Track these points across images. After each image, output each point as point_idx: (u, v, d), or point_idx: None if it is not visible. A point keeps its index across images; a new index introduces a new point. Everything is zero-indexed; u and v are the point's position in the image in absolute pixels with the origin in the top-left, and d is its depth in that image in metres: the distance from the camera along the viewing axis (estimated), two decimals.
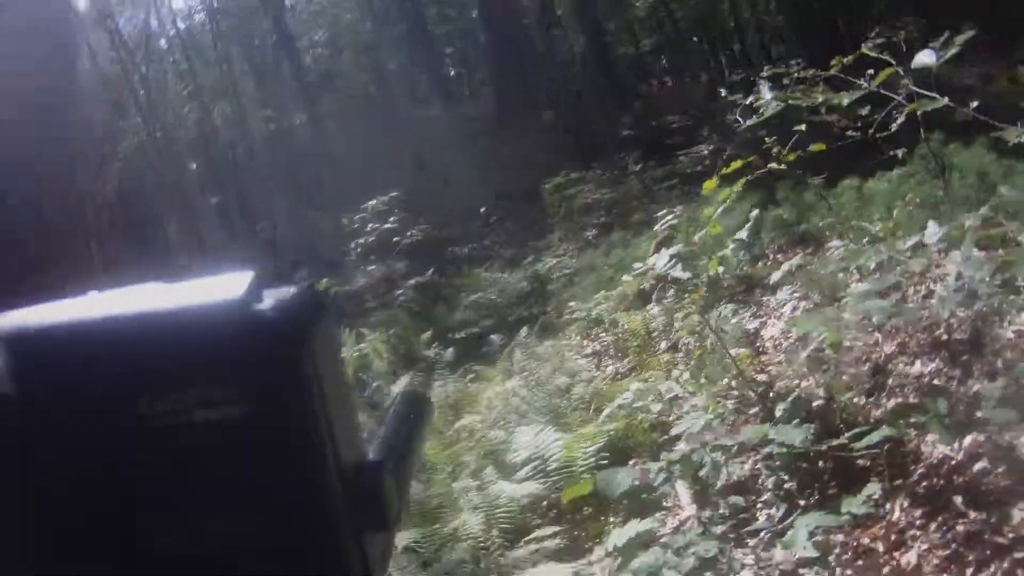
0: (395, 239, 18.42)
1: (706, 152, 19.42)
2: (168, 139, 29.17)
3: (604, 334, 11.47)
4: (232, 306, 0.79)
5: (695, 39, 39.78)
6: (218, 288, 0.82)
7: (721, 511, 6.44)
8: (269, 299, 0.81)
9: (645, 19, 38.63)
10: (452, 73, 56.52)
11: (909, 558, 5.52)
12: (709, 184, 8.22)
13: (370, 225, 18.37)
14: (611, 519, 7.06)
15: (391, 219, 18.32)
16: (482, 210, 21.20)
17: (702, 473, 6.14)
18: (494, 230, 20.40)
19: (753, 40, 35.88)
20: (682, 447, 7.37)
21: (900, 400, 6.83)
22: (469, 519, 7.14)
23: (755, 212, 10.80)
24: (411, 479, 0.97)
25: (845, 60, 8.62)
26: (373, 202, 18.32)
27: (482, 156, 27.49)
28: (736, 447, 6.50)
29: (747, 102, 9.83)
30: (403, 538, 7.06)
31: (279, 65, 45.66)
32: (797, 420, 6.44)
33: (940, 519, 5.67)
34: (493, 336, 13.01)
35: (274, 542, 0.81)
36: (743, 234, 8.40)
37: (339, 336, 1.06)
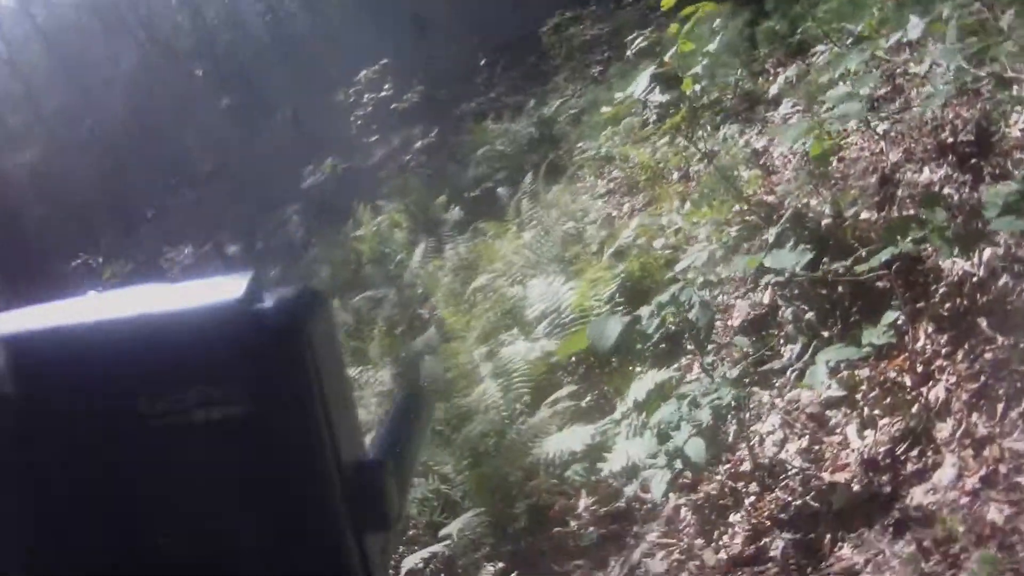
0: (392, 106, 18.05)
1: None
2: (169, 49, 29.12)
3: (616, 171, 11.28)
4: (231, 306, 0.79)
5: None
6: (217, 288, 0.82)
7: (710, 359, 6.28)
8: (268, 299, 0.80)
9: None
10: None
11: (937, 393, 5.26)
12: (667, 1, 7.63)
13: (366, 96, 18.10)
14: (638, 369, 6.79)
15: (385, 86, 18.01)
16: (482, 62, 20.97)
17: (691, 315, 5.79)
18: (498, 81, 20.17)
19: None
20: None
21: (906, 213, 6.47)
22: (489, 387, 7.02)
23: (732, 25, 10.43)
24: (412, 478, 0.98)
25: None
26: (364, 72, 18.01)
27: (479, 8, 27.24)
28: (737, 279, 6.32)
29: None
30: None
31: None
32: (792, 242, 6.06)
33: (967, 346, 5.36)
34: (500, 189, 12.83)
35: (274, 541, 0.81)
36: (712, 46, 7.98)
37: (338, 335, 0.83)
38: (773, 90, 9.31)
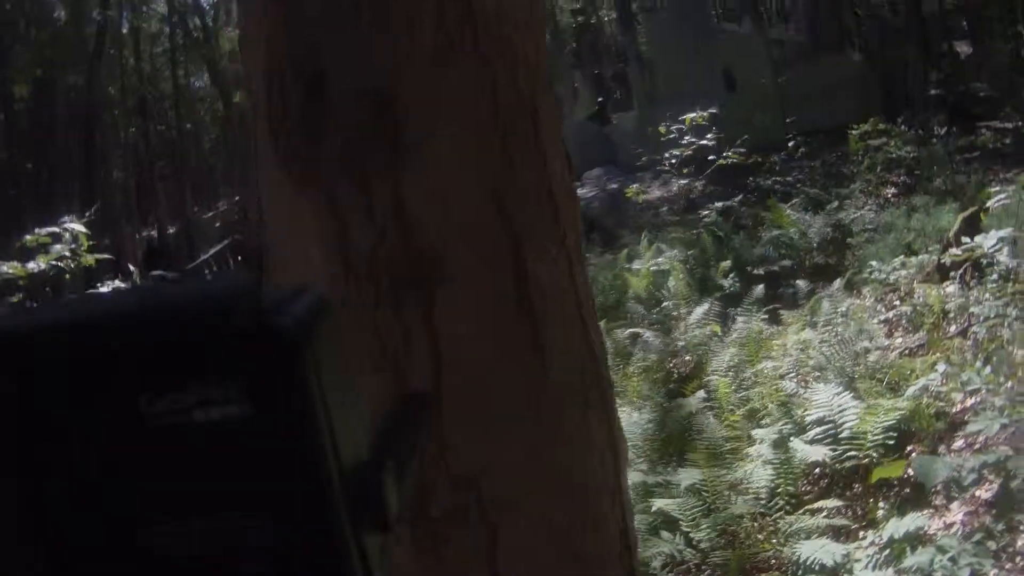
0: (710, 157, 18.28)
1: (1012, 128, 18.99)
2: None
3: (899, 303, 11.40)
4: (233, 305, 0.80)
5: (995, 6, 38.36)
6: (219, 287, 0.86)
7: (1000, 526, 6.36)
8: (269, 298, 0.81)
9: None
10: None
11: None
12: None
13: (687, 138, 18.42)
14: (880, 503, 7.16)
15: (708, 136, 18.25)
16: (789, 143, 21.06)
17: (1014, 485, 6.12)
18: (798, 165, 20.26)
19: None
20: (960, 444, 7.54)
21: None
22: (756, 473, 7.30)
23: None
24: (411, 479, 0.95)
25: None
26: (693, 115, 18.21)
27: (790, 84, 27.24)
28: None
29: None
30: (689, 476, 7.31)
31: None
32: None
33: None
34: (799, 281, 12.95)
35: (274, 542, 0.81)
36: None
37: (340, 335, 0.75)
38: None
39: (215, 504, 0.81)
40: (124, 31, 42.78)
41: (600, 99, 31.54)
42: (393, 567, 1.63)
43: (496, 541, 1.85)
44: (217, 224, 28.39)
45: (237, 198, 31.20)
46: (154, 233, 32.49)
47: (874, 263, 12.60)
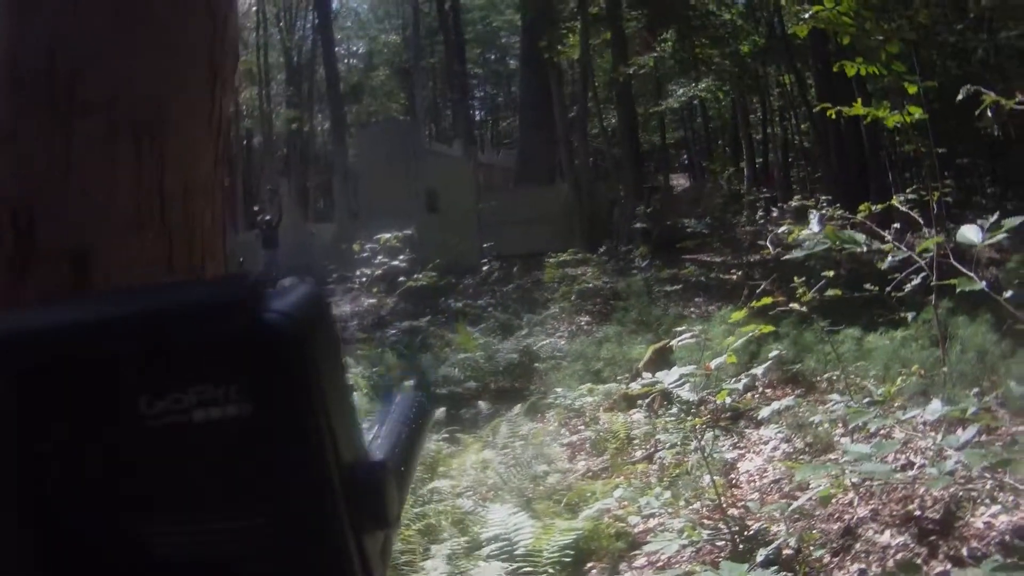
0: (400, 279, 18.59)
1: (718, 262, 19.64)
2: None
3: (583, 427, 11.54)
4: (232, 305, 0.80)
5: (719, 142, 40.27)
6: (218, 287, 0.86)
7: None
8: (269, 299, 0.81)
9: (677, 110, 39.12)
10: (478, 117, 56.98)
11: None
12: (737, 315, 8.39)
13: (379, 257, 18.40)
14: None
15: (400, 257, 18.34)
16: (484, 268, 21.29)
17: None
18: (491, 290, 20.46)
19: (776, 157, 36.38)
20: (642, 562, 7.56)
21: (863, 567, 6.90)
22: None
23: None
24: (411, 478, 1.00)
25: (874, 208, 8.84)
26: (387, 235, 18.28)
27: (493, 209, 27.65)
28: None
29: (781, 230, 10.00)
30: None
31: (313, 66, 45.88)
32: (776, 568, 6.47)
33: None
34: (481, 403, 13.01)
35: (274, 542, 0.81)
36: (759, 371, 8.58)
37: (339, 336, 0.67)
38: (764, 412, 9.72)
39: (215, 504, 0.80)
40: None
41: (267, 218, 31.03)
42: None
43: None
44: None
45: None
46: None
47: (559, 389, 12.74)
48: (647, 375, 8.51)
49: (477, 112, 56.19)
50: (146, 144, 1.93)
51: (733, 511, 8.06)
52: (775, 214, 25.48)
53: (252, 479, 0.79)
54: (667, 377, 7.80)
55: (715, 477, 8.18)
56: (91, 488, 0.80)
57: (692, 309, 17.31)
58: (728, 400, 8.73)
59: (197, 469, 0.79)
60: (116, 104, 1.93)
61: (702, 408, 9.05)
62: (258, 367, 0.78)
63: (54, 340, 0.80)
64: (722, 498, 8.10)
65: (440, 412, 11.93)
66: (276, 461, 0.79)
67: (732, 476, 9.21)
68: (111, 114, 1.92)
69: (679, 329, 10.71)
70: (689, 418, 8.77)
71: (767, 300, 8.35)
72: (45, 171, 1.88)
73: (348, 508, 0.81)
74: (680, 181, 35.87)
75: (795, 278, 9.48)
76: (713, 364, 7.97)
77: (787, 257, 9.35)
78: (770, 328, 8.55)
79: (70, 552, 0.81)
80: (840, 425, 9.30)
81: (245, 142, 48.96)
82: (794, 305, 9.14)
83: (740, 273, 18.78)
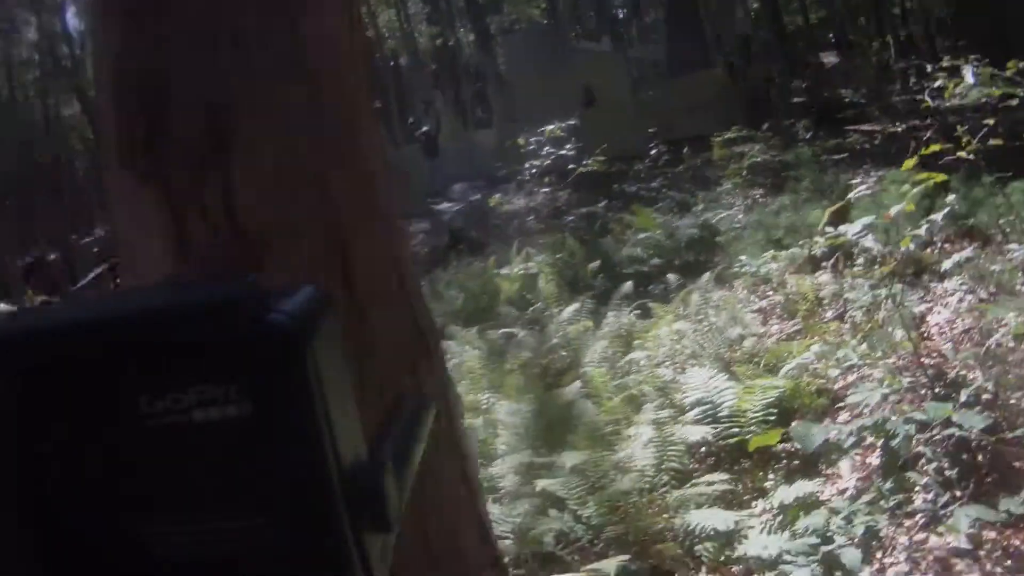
0: (570, 166, 18.42)
1: (879, 130, 19.35)
2: None
3: (772, 293, 11.58)
4: (233, 305, 0.81)
5: (862, 19, 39.43)
6: (219, 287, 0.86)
7: (888, 486, 6.48)
8: (271, 299, 0.81)
9: None
10: (620, 15, 56.50)
11: None
12: (908, 163, 8.42)
13: (546, 149, 18.47)
14: (769, 476, 7.28)
15: (567, 146, 18.40)
16: (652, 151, 21.23)
17: (894, 443, 6.25)
18: (662, 172, 20.42)
19: (917, 28, 35.63)
20: (845, 417, 7.62)
21: None
22: (638, 452, 7.29)
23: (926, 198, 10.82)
24: (411, 479, 0.98)
25: (1021, 64, 8.74)
26: (551, 127, 18.37)
27: (651, 99, 27.51)
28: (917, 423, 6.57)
29: (938, 84, 9.92)
30: (572, 458, 7.26)
31: None
32: (979, 408, 6.53)
33: None
34: (670, 276, 13.02)
35: (274, 542, 0.81)
36: (937, 216, 8.55)
37: (340, 335, 0.69)
38: (947, 264, 9.68)
39: (215, 504, 0.81)
40: None
41: (426, 129, 31.30)
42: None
43: None
44: (95, 249, 28.09)
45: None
46: (30, 260, 31.86)
47: (743, 258, 12.76)
48: (829, 229, 8.57)
49: (619, 10, 55.60)
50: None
51: (927, 360, 8.06)
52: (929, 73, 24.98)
53: (252, 479, 0.80)
54: (850, 229, 7.83)
55: (907, 328, 8.19)
56: (91, 487, 0.81)
57: (860, 175, 17.08)
58: (911, 247, 8.72)
59: (197, 469, 0.80)
60: None
61: (887, 257, 9.00)
62: (258, 367, 0.79)
63: (54, 340, 0.81)
64: (917, 348, 8.11)
65: (628, 287, 12.17)
66: (276, 461, 0.80)
67: (923, 329, 9.12)
68: None
69: (854, 182, 10.68)
70: (876, 268, 8.78)
71: (935, 147, 8.32)
72: (170, 31, 1.83)
73: (348, 508, 0.82)
74: (830, 58, 35.09)
75: (958, 127, 9.40)
76: (893, 211, 8.00)
77: (947, 106, 9.28)
78: (942, 177, 8.55)
79: (70, 552, 0.83)
80: (1021, 272, 9.25)
81: (392, 63, 49.17)
82: (960, 153, 9.07)
83: (902, 133, 18.43)
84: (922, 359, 7.97)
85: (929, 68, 25.00)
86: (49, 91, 41.88)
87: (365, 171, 2.00)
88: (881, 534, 6.08)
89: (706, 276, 12.15)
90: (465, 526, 2.15)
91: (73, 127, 39.97)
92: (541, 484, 7.10)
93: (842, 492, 6.79)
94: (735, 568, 6.20)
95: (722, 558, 6.27)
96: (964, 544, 5.97)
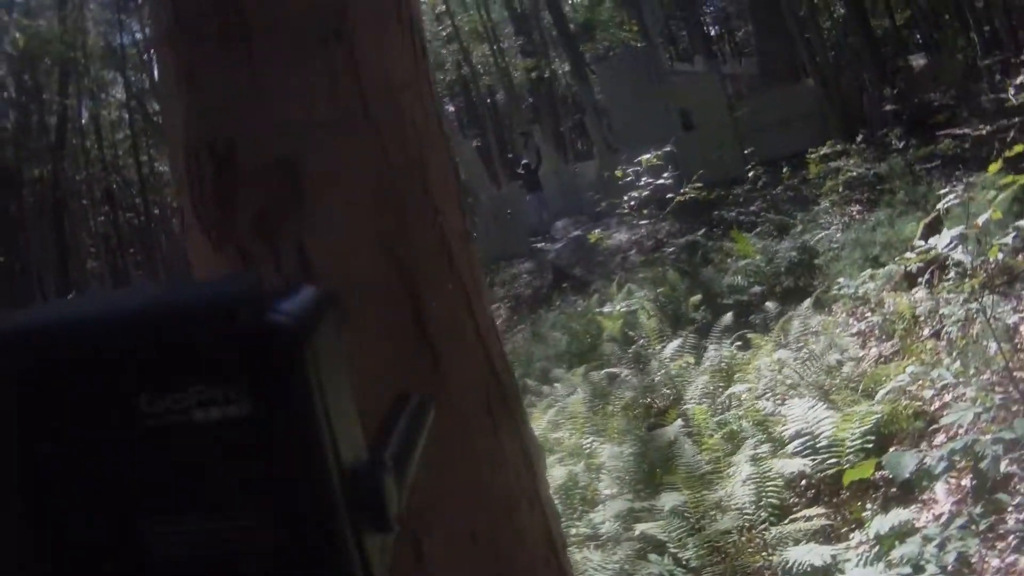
0: (668, 196, 18.44)
1: (970, 133, 19.17)
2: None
3: (870, 314, 11.50)
4: (233, 305, 0.80)
5: (946, 16, 38.94)
6: (219, 287, 0.85)
7: (979, 509, 6.40)
8: (271, 298, 0.81)
9: None
10: (713, 32, 56.43)
11: None
12: (993, 167, 8.39)
13: (643, 179, 18.48)
14: (867, 505, 7.27)
15: (664, 175, 18.36)
16: (749, 174, 21.23)
17: (982, 465, 6.21)
18: (760, 195, 20.41)
19: (1002, 22, 35.07)
20: (941, 439, 7.58)
21: None
22: (737, 490, 7.37)
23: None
24: (411, 479, 0.97)
25: None
26: (648, 156, 18.27)
27: (745, 117, 27.48)
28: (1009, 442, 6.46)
29: (1021, 80, 9.84)
30: (672, 499, 7.37)
31: (538, 12, 46.10)
32: None
33: None
34: (769, 304, 13.12)
35: (274, 543, 0.80)
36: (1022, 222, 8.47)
37: (341, 336, 0.68)
38: None
39: (215, 504, 0.80)
40: (83, 120, 43.00)
41: (525, 162, 31.39)
42: None
43: (421, 550, 1.93)
44: None
45: None
46: None
47: (842, 279, 12.69)
48: (921, 243, 8.56)
49: (710, 27, 55.52)
50: (334, 48, 1.95)
51: (1020, 374, 7.98)
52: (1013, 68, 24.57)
53: (252, 479, 0.80)
54: (939, 242, 7.82)
55: (1000, 342, 8.11)
56: (91, 488, 0.81)
57: (954, 181, 16.93)
58: (1000, 256, 8.64)
59: (197, 469, 0.80)
60: (294, 17, 1.95)
61: (977, 268, 8.86)
62: (258, 367, 0.79)
63: (54, 339, 0.81)
64: (1009, 362, 8.03)
65: (728, 319, 12.19)
66: (276, 461, 0.79)
67: (1017, 340, 9.04)
68: (291, 27, 1.94)
69: (943, 191, 10.61)
70: (966, 280, 8.68)
71: (1019, 148, 8.29)
72: (234, 97, 1.90)
73: (348, 508, 0.82)
74: (918, 61, 34.67)
75: None
76: (980, 220, 7.93)
77: None
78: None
79: (70, 552, 0.82)
80: None
81: (488, 99, 49.41)
82: None
83: (988, 135, 18.22)
84: (1014, 373, 7.87)
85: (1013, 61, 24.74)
86: (140, 148, 42.31)
87: (435, 230, 2.05)
88: (973, 560, 6.05)
89: (806, 303, 12.16)
90: (536, 550, 2.18)
91: (167, 183, 40.58)
92: (640, 528, 7.19)
93: (938, 517, 6.78)
94: None
95: None
96: None
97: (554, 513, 2.28)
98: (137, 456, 0.79)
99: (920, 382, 8.59)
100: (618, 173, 19.24)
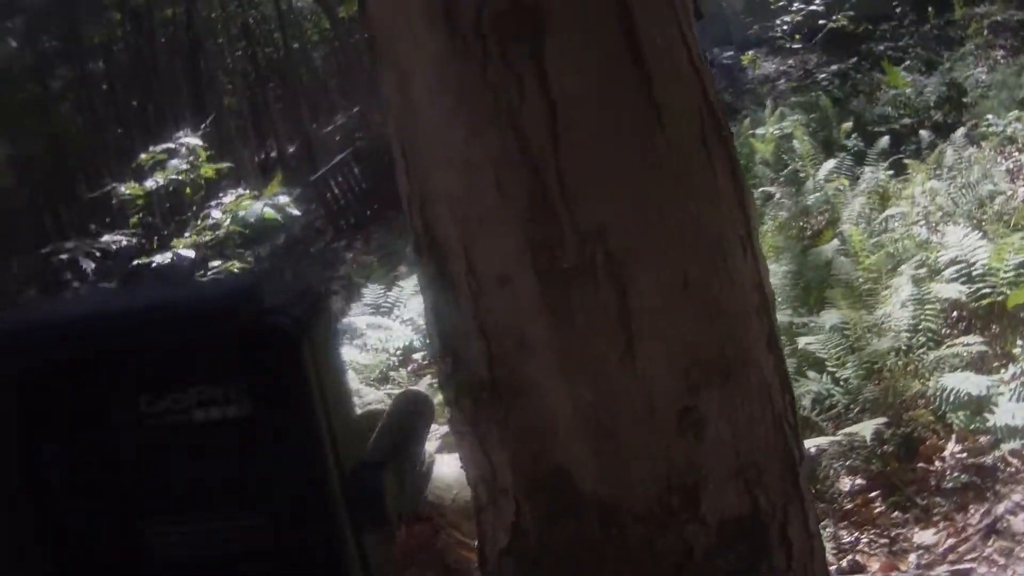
0: (820, 22, 18.47)
1: None
2: None
3: (1017, 152, 11.49)
4: (233, 307, 0.81)
5: None
6: (219, 289, 0.85)
7: None
8: (270, 300, 0.82)
9: None
10: None
11: None
12: None
13: (795, 4, 18.54)
14: (1019, 341, 7.18)
15: (816, 1, 18.42)
16: (897, 9, 21.02)
17: None
18: (908, 32, 20.22)
19: None
20: None
21: None
22: (895, 312, 7.46)
23: None
24: (410, 479, 0.98)
25: None
26: None
27: None
28: None
29: None
30: (831, 317, 7.49)
31: None
32: None
33: None
34: (923, 132, 13.05)
35: (275, 541, 0.82)
36: None
37: (338, 336, 0.87)
38: None
39: (216, 503, 0.85)
40: None
41: None
42: (525, 337, 1.85)
43: (627, 299, 1.87)
44: (337, 137, 28.33)
45: (356, 108, 30.66)
46: (273, 154, 32.18)
47: (990, 116, 12.63)
48: None
49: None
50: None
51: None
52: None
53: (252, 479, 0.82)
54: None
55: None
56: (92, 487, 0.82)
57: None
58: None
59: (197, 468, 0.81)
60: None
61: None
62: (258, 367, 0.80)
63: (55, 339, 0.81)
64: None
65: (884, 142, 12.30)
66: (276, 461, 0.81)
67: None
68: None
69: None
70: None
71: None
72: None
73: (348, 508, 0.84)
74: None
75: None
76: None
77: None
78: None
79: (71, 550, 0.83)
80: None
81: None
82: None
83: None
84: None
85: None
86: None
87: None
88: None
89: (959, 131, 12.05)
90: (747, 299, 2.06)
91: (307, 17, 39.70)
92: (802, 342, 7.31)
93: None
94: (982, 439, 6.27)
95: (971, 427, 6.33)
96: None
97: (764, 263, 2.14)
98: (138, 456, 0.84)
99: None
100: None
